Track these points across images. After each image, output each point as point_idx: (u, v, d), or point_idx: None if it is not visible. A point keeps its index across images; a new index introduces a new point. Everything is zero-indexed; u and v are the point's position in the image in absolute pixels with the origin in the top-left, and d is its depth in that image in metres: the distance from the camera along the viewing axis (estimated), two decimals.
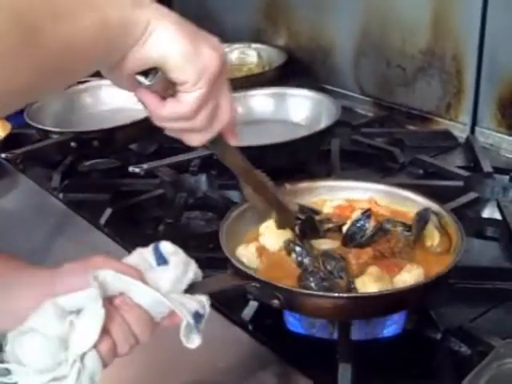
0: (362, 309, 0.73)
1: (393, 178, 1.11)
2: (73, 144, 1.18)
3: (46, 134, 1.21)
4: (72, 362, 0.58)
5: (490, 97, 1.22)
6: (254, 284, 0.74)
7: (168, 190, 1.10)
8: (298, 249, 0.79)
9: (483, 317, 0.79)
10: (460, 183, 1.06)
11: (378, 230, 0.81)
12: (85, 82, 1.40)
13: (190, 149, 1.13)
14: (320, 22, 1.49)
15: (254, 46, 1.55)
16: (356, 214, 0.83)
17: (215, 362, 0.74)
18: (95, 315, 0.60)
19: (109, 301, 0.63)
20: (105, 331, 0.61)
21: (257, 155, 1.10)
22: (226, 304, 0.81)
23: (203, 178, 1.12)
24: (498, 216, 1.00)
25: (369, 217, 0.81)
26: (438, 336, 0.75)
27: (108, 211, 1.03)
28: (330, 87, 1.46)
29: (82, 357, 0.58)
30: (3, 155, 1.18)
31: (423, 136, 1.28)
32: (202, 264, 0.72)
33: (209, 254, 0.89)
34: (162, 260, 0.68)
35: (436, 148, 1.22)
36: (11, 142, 1.25)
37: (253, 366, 0.75)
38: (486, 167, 1.10)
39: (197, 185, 1.12)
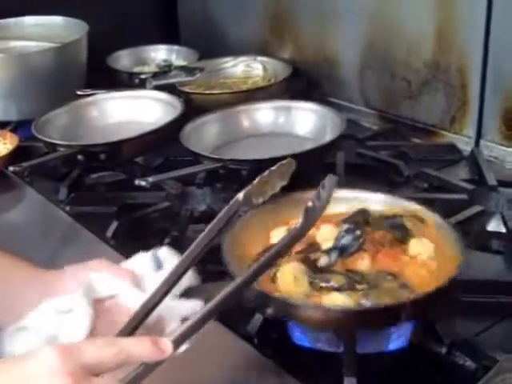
0: (362, 320, 0.74)
1: (398, 192, 1.12)
2: (79, 157, 1.19)
3: (53, 146, 1.22)
4: None
5: (494, 110, 1.22)
6: (250, 293, 0.73)
7: (174, 202, 1.10)
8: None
9: (488, 331, 0.79)
10: (465, 196, 1.06)
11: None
12: (91, 95, 1.41)
13: (195, 162, 1.14)
14: (325, 36, 1.50)
15: (259, 58, 1.56)
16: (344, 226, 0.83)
17: (220, 375, 0.75)
18: (83, 314, 0.64)
19: (99, 302, 0.67)
20: (93, 330, 0.64)
21: (261, 168, 1.11)
22: (231, 317, 0.82)
23: (209, 191, 1.13)
24: (502, 229, 1.00)
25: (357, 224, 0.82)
26: (443, 350, 0.75)
27: (114, 224, 1.04)
28: (334, 100, 1.47)
29: None
30: (10, 168, 1.19)
31: (428, 149, 1.28)
32: (206, 277, 0.73)
33: (214, 266, 0.89)
34: (158, 265, 0.70)
35: (441, 161, 1.22)
36: (18, 154, 1.26)
37: (258, 380, 0.75)
38: (491, 180, 1.10)
39: (202, 198, 1.12)
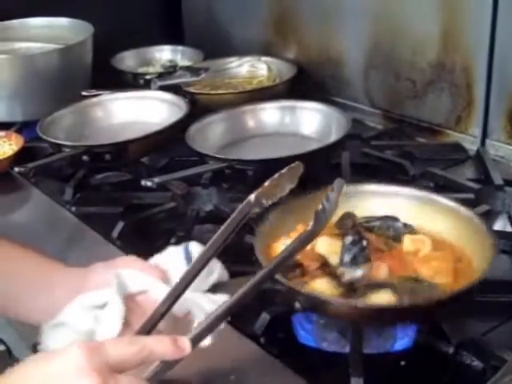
0: (377, 317, 0.74)
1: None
2: (85, 157, 1.19)
3: (58, 147, 1.22)
4: None
5: (500, 109, 1.22)
6: (277, 287, 0.75)
7: (179, 203, 1.10)
8: None
9: (495, 330, 0.79)
10: (471, 196, 1.06)
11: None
12: (97, 95, 1.42)
13: (200, 162, 1.14)
14: (330, 35, 1.50)
15: (263, 59, 1.56)
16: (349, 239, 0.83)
17: (227, 375, 0.74)
18: (116, 309, 0.66)
19: (131, 298, 0.69)
20: (128, 325, 0.66)
21: (267, 168, 1.11)
22: (238, 317, 0.82)
23: (214, 191, 1.13)
24: (509, 229, 1.00)
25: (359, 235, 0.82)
26: (451, 350, 0.75)
27: (120, 224, 1.04)
28: (339, 100, 1.47)
29: None
30: (16, 169, 1.19)
31: (433, 148, 1.28)
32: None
33: (239, 266, 0.89)
34: (189, 260, 0.72)
35: (446, 160, 1.22)
36: (24, 155, 1.26)
37: (265, 379, 0.75)
38: (497, 180, 1.10)
39: (208, 198, 1.12)
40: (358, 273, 0.79)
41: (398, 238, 0.86)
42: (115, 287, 0.67)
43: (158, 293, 0.68)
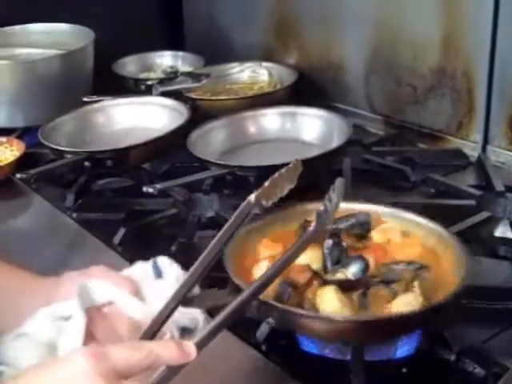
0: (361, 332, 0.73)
1: (405, 197, 1.12)
2: (86, 163, 1.19)
3: (59, 153, 1.22)
4: None
5: (501, 115, 1.22)
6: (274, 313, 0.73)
7: (181, 209, 1.10)
8: None
9: (497, 337, 0.79)
10: (472, 202, 1.06)
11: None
12: (98, 101, 1.42)
13: (202, 168, 1.14)
14: (330, 41, 1.50)
15: (264, 64, 1.56)
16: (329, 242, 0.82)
17: (228, 382, 0.74)
18: (77, 322, 0.66)
19: (97, 310, 0.69)
20: (91, 337, 0.66)
21: (268, 175, 1.11)
22: (240, 324, 0.82)
23: (216, 197, 1.13)
24: (510, 235, 0.99)
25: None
26: (452, 357, 0.75)
27: (121, 231, 1.04)
28: (340, 106, 1.47)
29: None
30: (17, 175, 1.19)
31: (434, 155, 1.28)
32: (213, 284, 0.73)
33: (220, 273, 0.89)
34: (158, 274, 0.72)
35: (447, 167, 1.22)
36: (25, 161, 1.26)
37: None
38: (498, 186, 1.10)
39: (209, 204, 1.12)
40: (359, 274, 0.78)
41: (366, 233, 0.87)
42: (78, 299, 0.67)
43: (126, 305, 0.68)
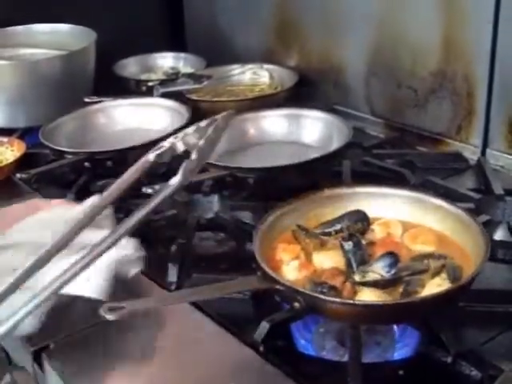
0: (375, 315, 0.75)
1: None
2: (87, 164, 1.20)
3: (60, 154, 1.23)
4: None
5: (501, 119, 1.22)
6: (277, 287, 0.76)
7: (180, 210, 1.10)
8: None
9: (494, 340, 0.79)
10: (471, 205, 1.06)
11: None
12: (99, 102, 1.42)
13: (201, 170, 1.14)
14: (331, 43, 1.50)
15: (265, 66, 1.56)
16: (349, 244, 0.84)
17: (226, 383, 0.75)
18: None
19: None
20: None
21: (268, 176, 1.11)
22: (237, 325, 0.82)
23: (215, 198, 1.13)
24: (509, 238, 0.99)
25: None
26: (449, 359, 0.75)
27: None
28: (340, 108, 1.47)
29: None
30: (18, 175, 1.20)
31: (434, 158, 1.28)
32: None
33: (220, 275, 0.90)
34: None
35: (447, 170, 1.22)
36: (26, 161, 1.26)
37: None
38: (497, 189, 1.10)
39: (209, 205, 1.12)
40: (385, 271, 0.80)
41: (366, 228, 0.89)
42: None
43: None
